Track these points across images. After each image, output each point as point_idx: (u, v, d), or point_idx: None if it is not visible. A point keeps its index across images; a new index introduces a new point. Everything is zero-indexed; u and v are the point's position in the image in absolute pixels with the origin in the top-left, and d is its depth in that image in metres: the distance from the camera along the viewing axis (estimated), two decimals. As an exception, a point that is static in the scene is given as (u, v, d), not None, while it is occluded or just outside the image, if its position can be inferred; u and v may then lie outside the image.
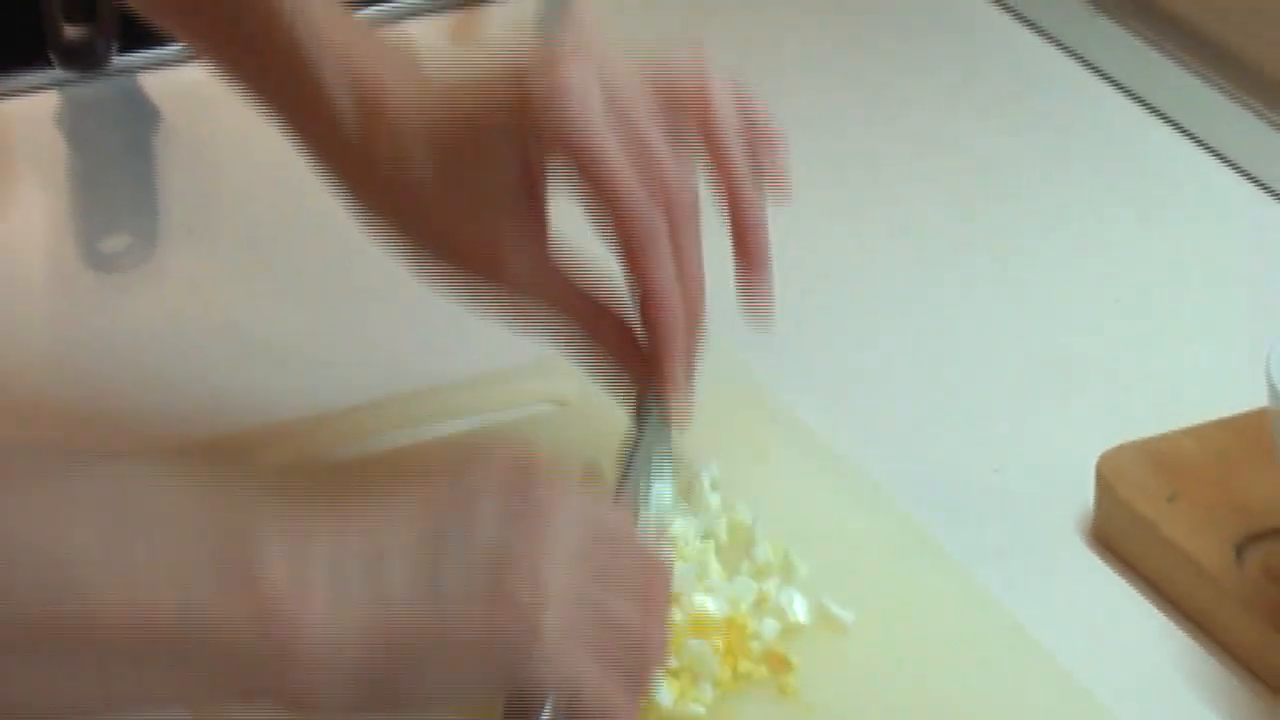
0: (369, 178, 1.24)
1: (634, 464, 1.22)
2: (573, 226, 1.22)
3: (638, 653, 1.02)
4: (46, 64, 1.63)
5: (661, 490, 1.22)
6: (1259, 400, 1.25)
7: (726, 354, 1.34)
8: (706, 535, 1.25)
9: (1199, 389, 1.40)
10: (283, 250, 1.54)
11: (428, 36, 1.75)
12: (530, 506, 1.00)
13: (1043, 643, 1.23)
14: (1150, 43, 1.78)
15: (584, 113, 1.16)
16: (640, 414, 1.22)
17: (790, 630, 1.21)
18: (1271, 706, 1.23)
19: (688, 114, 1.20)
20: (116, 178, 1.61)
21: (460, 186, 1.22)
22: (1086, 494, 1.33)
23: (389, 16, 1.75)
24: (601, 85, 1.18)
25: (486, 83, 1.21)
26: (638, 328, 1.21)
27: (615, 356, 1.23)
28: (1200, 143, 1.69)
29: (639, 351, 1.21)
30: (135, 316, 1.49)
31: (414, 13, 1.78)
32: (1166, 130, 1.71)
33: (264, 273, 1.49)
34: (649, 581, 1.04)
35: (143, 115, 1.65)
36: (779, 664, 1.19)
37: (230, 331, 1.45)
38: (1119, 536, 1.31)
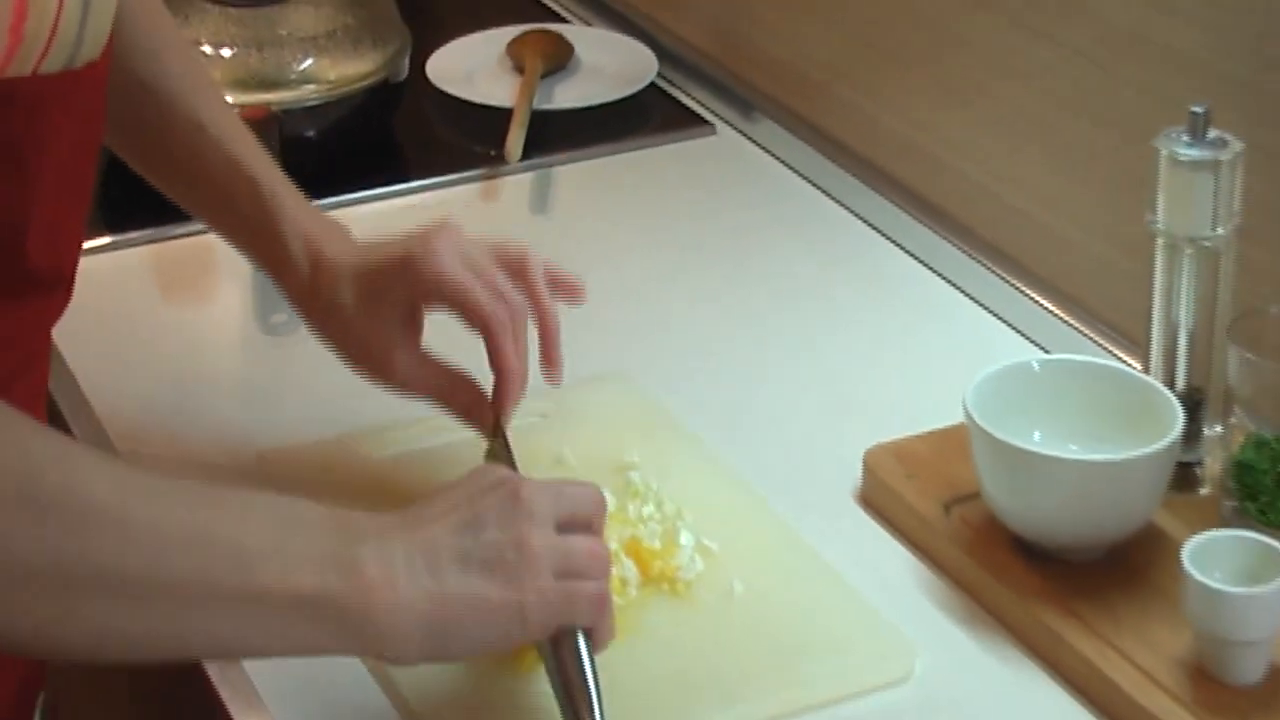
0: (314, 301, 1.27)
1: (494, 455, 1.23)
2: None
3: (599, 564, 1.05)
4: None
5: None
6: (960, 418, 1.29)
7: (649, 394, 1.43)
8: (633, 497, 1.29)
9: (924, 412, 1.40)
10: None
11: (458, 200, 1.76)
12: (513, 499, 1.02)
13: (832, 565, 1.28)
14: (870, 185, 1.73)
15: (448, 265, 1.21)
16: (491, 434, 1.24)
17: (674, 548, 1.25)
18: (968, 604, 1.26)
19: (510, 267, 1.24)
20: None
21: (369, 311, 1.25)
22: (857, 475, 1.37)
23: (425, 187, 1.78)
24: (458, 249, 1.22)
25: (388, 245, 1.25)
26: (478, 388, 1.26)
27: (467, 408, 1.26)
28: (906, 250, 1.67)
29: (485, 400, 1.24)
30: (290, 364, 1.50)
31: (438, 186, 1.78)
32: (884, 242, 1.69)
33: None
34: (595, 514, 1.07)
35: None
36: (672, 575, 1.24)
37: (334, 373, 1.36)
38: (877, 501, 1.36)
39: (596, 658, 1.05)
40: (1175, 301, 1.30)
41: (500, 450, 1.22)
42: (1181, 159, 1.26)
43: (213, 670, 1.17)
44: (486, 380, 1.26)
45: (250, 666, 1.17)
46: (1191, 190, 1.26)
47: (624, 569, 1.22)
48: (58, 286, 1.06)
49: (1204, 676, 1.16)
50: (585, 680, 1.04)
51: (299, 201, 1.28)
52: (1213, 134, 1.26)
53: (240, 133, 1.29)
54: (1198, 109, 1.25)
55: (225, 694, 1.17)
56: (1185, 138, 1.26)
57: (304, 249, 1.26)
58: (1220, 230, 1.28)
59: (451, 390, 1.26)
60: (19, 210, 0.98)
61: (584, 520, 1.05)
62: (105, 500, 0.89)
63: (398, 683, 1.16)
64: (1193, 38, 1.38)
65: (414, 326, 1.26)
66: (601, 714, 1.04)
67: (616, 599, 1.15)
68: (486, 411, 1.24)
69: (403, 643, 0.97)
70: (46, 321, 1.08)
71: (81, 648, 0.95)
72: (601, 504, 1.08)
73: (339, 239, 1.28)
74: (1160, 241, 1.29)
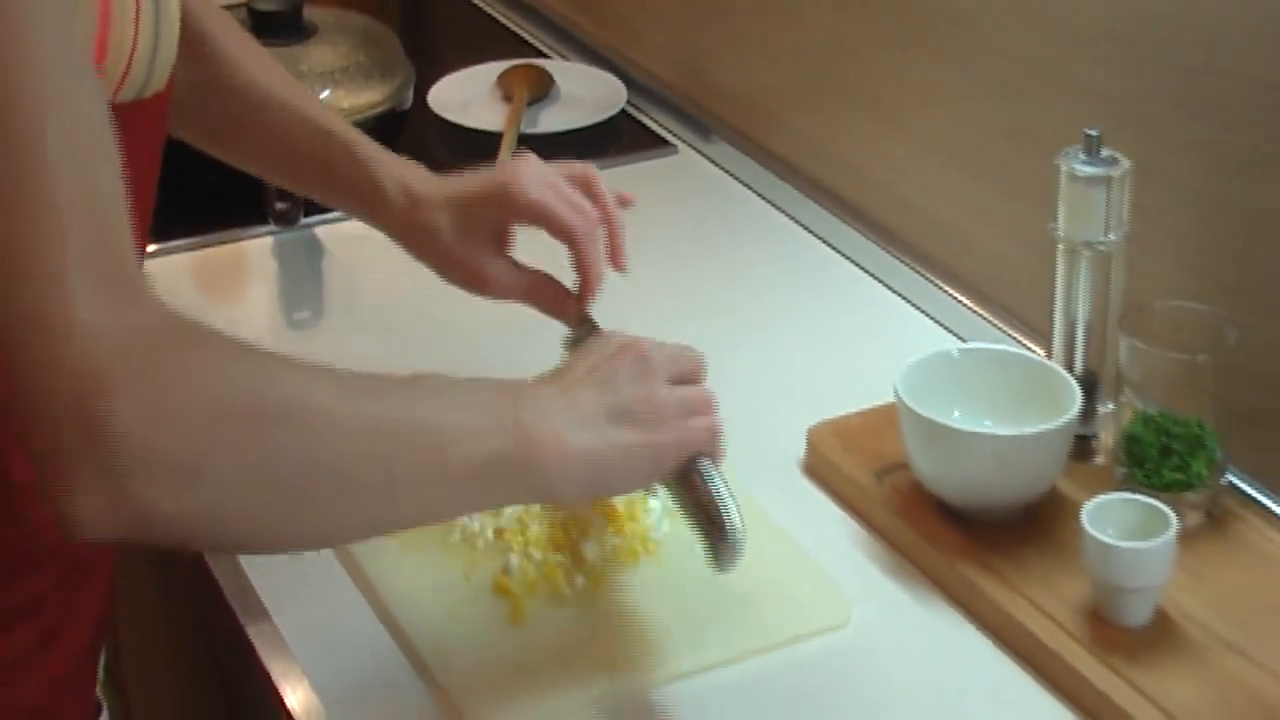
0: (413, 231, 1.29)
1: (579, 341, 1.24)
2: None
3: (709, 406, 1.08)
4: (265, 222, 1.62)
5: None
6: (889, 398, 1.29)
7: None
8: None
9: (858, 393, 1.39)
10: (393, 319, 1.54)
11: None
12: (639, 360, 1.05)
13: (780, 527, 1.27)
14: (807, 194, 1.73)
15: (534, 189, 1.24)
16: (578, 323, 1.26)
17: (641, 506, 1.25)
18: (898, 559, 1.26)
19: (581, 184, 1.27)
20: (305, 281, 1.63)
21: (465, 233, 1.27)
22: (800, 449, 1.37)
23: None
24: (540, 175, 1.25)
25: (477, 177, 1.28)
26: (561, 285, 1.28)
27: (556, 303, 1.28)
28: (843, 254, 1.66)
29: (570, 295, 1.26)
30: (315, 353, 1.46)
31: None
32: (823, 247, 1.67)
33: (384, 334, 1.49)
34: (694, 366, 1.10)
35: (316, 248, 1.66)
36: (644, 535, 1.24)
37: (360, 360, 1.43)
38: (818, 471, 1.36)
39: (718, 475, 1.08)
40: (1074, 297, 1.31)
41: (589, 333, 1.24)
42: (1079, 175, 1.27)
43: (250, 627, 1.19)
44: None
45: (279, 619, 1.19)
46: (1087, 202, 1.27)
47: (598, 531, 1.22)
48: None
49: (1100, 620, 1.17)
50: (719, 493, 1.07)
51: (385, 152, 1.30)
52: (1105, 153, 1.27)
53: (322, 109, 1.31)
54: (1092, 132, 1.27)
55: (259, 645, 1.18)
56: (1082, 156, 1.27)
57: (399, 189, 1.28)
58: (1112, 236, 1.28)
59: (540, 289, 1.28)
60: None
61: (691, 374, 1.09)
62: (325, 403, 0.90)
63: (411, 638, 1.16)
64: (1089, 70, 1.39)
65: (502, 241, 1.28)
66: (739, 516, 1.07)
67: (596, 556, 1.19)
68: (570, 304, 1.26)
69: (568, 487, 1.01)
70: None
71: (312, 538, 0.97)
72: (703, 362, 1.11)
73: (425, 177, 1.30)
74: (1061, 246, 1.30)
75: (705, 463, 1.08)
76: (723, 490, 1.08)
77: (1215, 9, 1.27)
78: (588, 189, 1.27)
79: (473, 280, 1.28)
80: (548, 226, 1.24)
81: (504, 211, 1.26)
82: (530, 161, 1.27)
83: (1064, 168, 1.27)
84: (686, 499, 1.08)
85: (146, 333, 0.83)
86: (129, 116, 0.97)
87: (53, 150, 0.81)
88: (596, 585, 1.20)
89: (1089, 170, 1.26)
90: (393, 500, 0.94)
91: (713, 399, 1.09)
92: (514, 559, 1.20)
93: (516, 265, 1.29)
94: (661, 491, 1.13)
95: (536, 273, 1.29)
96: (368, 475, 0.92)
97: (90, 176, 0.83)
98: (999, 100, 1.49)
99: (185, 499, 0.83)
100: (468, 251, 1.27)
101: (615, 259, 1.27)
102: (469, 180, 1.28)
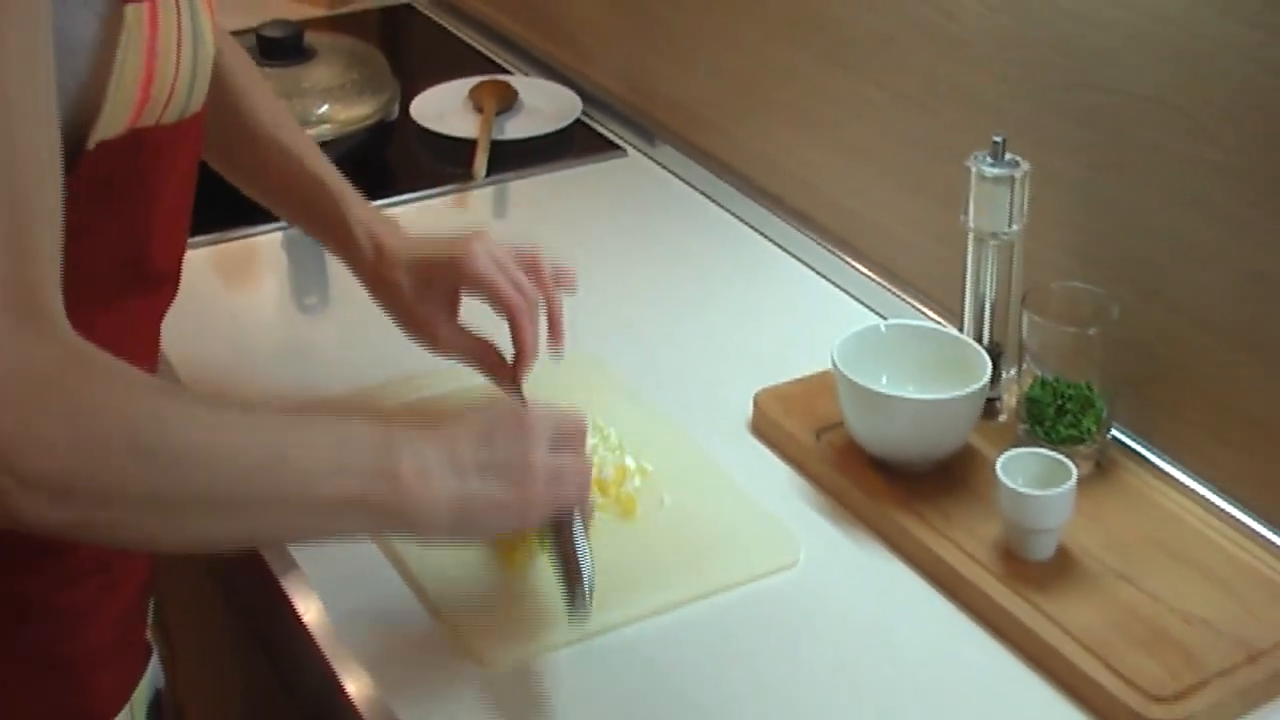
0: (377, 280, 1.26)
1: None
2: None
3: (581, 475, 1.04)
4: (275, 220, 1.50)
5: None
6: (823, 367, 1.29)
7: (588, 353, 1.38)
8: (594, 433, 1.26)
9: (796, 363, 1.39)
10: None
11: (438, 209, 1.73)
12: (519, 424, 1.01)
13: (734, 480, 1.28)
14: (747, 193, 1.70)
15: (484, 265, 1.21)
16: (511, 389, 1.24)
17: (625, 473, 1.25)
18: (837, 507, 1.26)
19: (525, 265, 1.23)
20: (312, 271, 1.59)
21: (420, 292, 1.25)
22: (748, 412, 1.36)
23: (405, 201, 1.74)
24: (489, 252, 1.22)
25: (436, 242, 1.25)
26: (501, 354, 1.25)
27: (494, 368, 1.25)
28: (776, 243, 1.64)
29: (506, 365, 1.24)
30: (321, 336, 1.50)
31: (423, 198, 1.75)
32: (759, 237, 1.66)
33: (373, 315, 1.35)
34: (576, 432, 1.05)
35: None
36: (623, 496, 1.23)
37: (362, 341, 1.43)
38: (764, 431, 1.35)
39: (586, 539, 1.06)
40: (982, 280, 1.31)
41: (517, 400, 1.23)
42: (986, 175, 1.27)
43: (273, 562, 1.18)
44: (505, 348, 1.25)
45: (302, 561, 1.18)
46: (993, 198, 1.27)
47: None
48: (170, 282, 1.05)
49: (1011, 556, 1.18)
50: (580, 550, 1.05)
51: (362, 204, 1.28)
52: (1008, 157, 1.27)
53: (315, 153, 1.28)
54: (997, 138, 1.27)
55: (283, 581, 1.18)
56: (989, 159, 1.28)
57: (369, 240, 1.25)
58: (1014, 227, 1.29)
59: (481, 354, 1.26)
60: (145, 225, 0.98)
61: (572, 439, 1.05)
62: (198, 441, 0.86)
63: (417, 574, 1.16)
64: (992, 87, 1.39)
65: (454, 305, 1.25)
66: (592, 573, 1.05)
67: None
68: (506, 372, 1.24)
69: (432, 530, 0.97)
70: (162, 310, 1.06)
71: (177, 547, 0.95)
72: (584, 430, 1.07)
73: (395, 233, 1.27)
74: (971, 236, 1.30)
75: (576, 520, 1.05)
76: (583, 548, 1.05)
77: (1093, 38, 1.27)
78: (532, 269, 1.23)
79: (425, 336, 1.26)
80: (492, 301, 1.22)
81: (455, 278, 1.22)
82: (483, 238, 1.23)
83: (974, 169, 1.28)
84: (554, 549, 1.06)
85: (45, 362, 0.80)
86: (174, 135, 0.97)
87: None
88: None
89: (995, 171, 1.27)
90: (255, 524, 0.91)
91: (586, 469, 1.05)
92: None
93: (464, 330, 1.26)
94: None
95: (483, 340, 1.26)
96: (231, 504, 0.89)
97: (19, 210, 0.80)
98: (912, 113, 1.48)
99: (60, 513, 0.82)
100: (423, 309, 1.24)
101: (553, 340, 1.24)
102: (429, 245, 1.25)
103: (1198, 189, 1.21)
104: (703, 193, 1.76)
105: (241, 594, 1.33)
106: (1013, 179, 1.27)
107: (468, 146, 1.81)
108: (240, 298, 1.58)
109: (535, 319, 1.22)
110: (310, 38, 1.78)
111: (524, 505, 0.99)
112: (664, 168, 1.82)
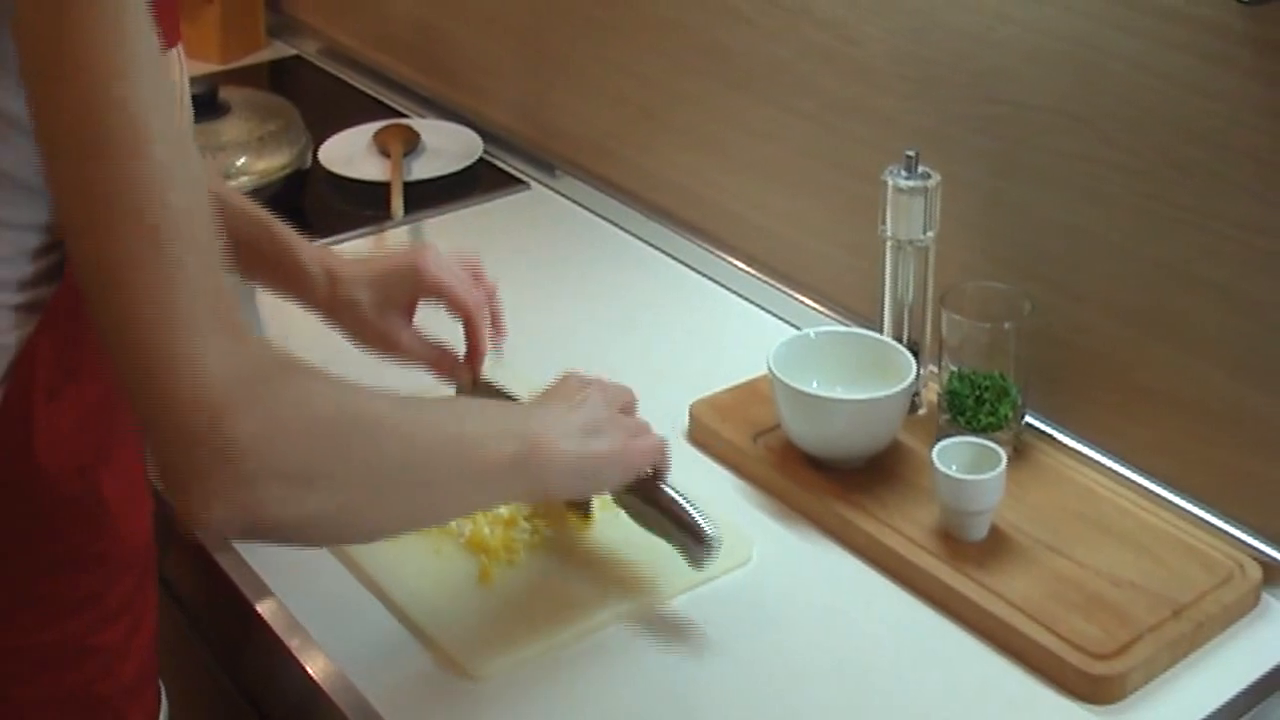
0: (333, 306, 1.26)
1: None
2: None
3: (649, 429, 1.13)
4: None
5: None
6: (750, 375, 1.35)
7: (522, 375, 1.35)
8: None
9: (723, 374, 1.41)
10: (316, 345, 1.28)
11: (360, 249, 1.72)
12: (600, 390, 1.11)
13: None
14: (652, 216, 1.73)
15: (441, 272, 1.24)
16: (471, 386, 1.27)
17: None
18: (779, 505, 1.29)
19: (470, 272, 1.27)
20: (243, 316, 1.56)
21: (380, 306, 1.26)
22: (684, 422, 1.38)
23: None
24: (440, 260, 1.25)
25: (389, 258, 1.27)
26: (458, 355, 1.27)
27: (450, 370, 1.27)
28: (679, 261, 1.67)
29: (462, 364, 1.27)
30: None
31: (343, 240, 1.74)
32: (666, 258, 1.69)
33: (307, 356, 1.48)
34: (631, 401, 1.15)
35: (249, 288, 1.43)
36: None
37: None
38: (701, 439, 1.37)
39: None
40: (900, 284, 1.36)
41: (485, 390, 1.27)
42: (901, 187, 1.33)
43: (261, 608, 1.18)
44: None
45: (282, 596, 1.19)
46: (908, 208, 1.32)
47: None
48: None
49: (949, 538, 1.22)
50: (689, 507, 1.13)
51: (308, 245, 1.29)
52: (921, 169, 1.33)
53: (250, 204, 1.28)
54: (910, 152, 1.32)
55: (266, 616, 1.18)
56: (903, 172, 1.33)
57: (321, 271, 1.26)
58: (929, 234, 1.34)
59: (440, 358, 1.28)
60: None
61: (629, 406, 1.14)
62: (400, 420, 0.93)
63: (397, 599, 1.17)
64: (897, 105, 1.44)
65: (412, 313, 1.28)
66: (713, 523, 1.13)
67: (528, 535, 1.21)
68: (463, 371, 1.27)
69: (561, 486, 1.06)
70: None
71: (393, 527, 0.99)
72: (634, 395, 1.16)
73: (345, 262, 1.29)
74: (888, 243, 1.35)
75: (668, 485, 1.13)
76: (690, 504, 1.13)
77: (988, 55, 1.32)
78: (475, 274, 1.27)
79: (386, 345, 1.28)
80: (448, 302, 1.25)
81: (414, 287, 1.25)
82: (433, 249, 1.27)
83: (890, 182, 1.33)
84: (656, 516, 1.14)
85: (256, 365, 0.84)
86: None
87: (178, 207, 0.80)
88: (549, 551, 1.21)
89: (909, 183, 1.32)
90: (442, 493, 0.97)
91: (647, 425, 1.14)
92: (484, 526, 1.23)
93: (421, 336, 1.28)
94: (625, 513, 1.17)
95: (439, 345, 1.29)
96: (429, 473, 0.95)
97: (204, 228, 0.83)
98: (816, 132, 1.51)
99: (303, 503, 0.85)
100: (383, 320, 1.26)
101: (496, 333, 1.29)
102: (383, 260, 1.27)
103: (1098, 188, 1.27)
104: (609, 220, 1.78)
105: (223, 637, 1.33)
106: (926, 189, 1.32)
107: (378, 189, 1.83)
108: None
109: (486, 317, 1.26)
110: (224, 93, 1.80)
111: (625, 457, 1.09)
112: (567, 198, 1.84)
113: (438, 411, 1.00)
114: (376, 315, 1.26)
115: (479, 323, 1.26)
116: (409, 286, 1.26)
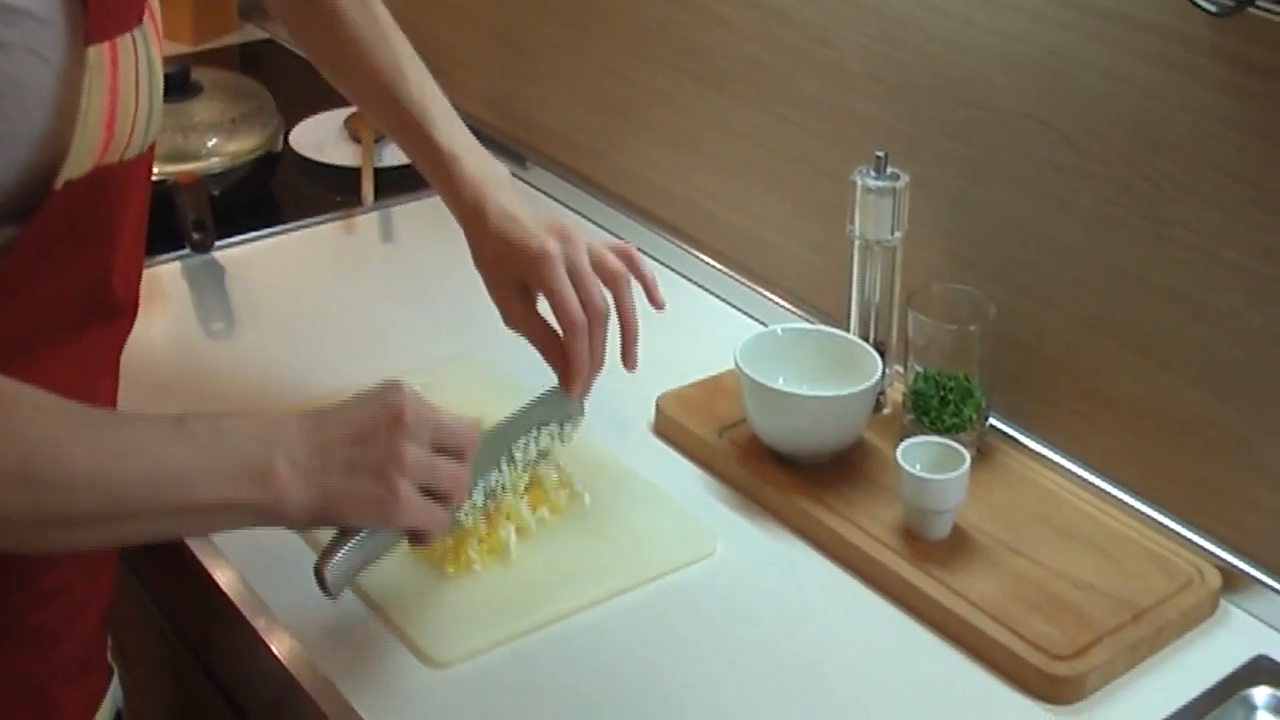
0: (471, 232, 1.22)
1: (536, 407, 1.20)
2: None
3: (457, 485, 1.00)
4: (183, 248, 1.62)
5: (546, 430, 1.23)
6: (716, 370, 1.36)
7: (494, 367, 1.40)
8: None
9: (690, 369, 1.41)
10: (294, 325, 1.52)
11: (329, 234, 1.72)
12: (397, 420, 0.96)
13: (648, 480, 1.29)
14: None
15: (555, 275, 1.17)
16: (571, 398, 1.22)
17: (551, 485, 1.24)
18: (743, 500, 1.28)
19: (607, 278, 1.20)
20: (214, 298, 1.60)
21: (495, 268, 1.22)
22: (651, 416, 1.38)
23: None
24: (569, 258, 1.18)
25: (522, 232, 1.19)
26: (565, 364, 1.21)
27: (556, 359, 1.21)
28: (650, 256, 1.65)
29: (564, 373, 1.21)
30: (227, 361, 1.47)
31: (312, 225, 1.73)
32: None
33: (289, 336, 1.47)
34: (462, 442, 1.00)
35: (217, 270, 1.63)
36: (555, 505, 1.24)
37: (274, 362, 1.44)
38: (668, 433, 1.37)
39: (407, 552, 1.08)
40: (867, 283, 1.36)
41: (575, 414, 1.23)
42: (870, 188, 1.32)
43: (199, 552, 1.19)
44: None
45: (251, 579, 1.18)
46: (877, 209, 1.32)
47: (515, 499, 1.21)
48: (130, 310, 1.05)
49: (911, 536, 1.23)
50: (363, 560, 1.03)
51: (473, 154, 1.24)
52: (890, 170, 1.33)
53: (428, 103, 1.25)
54: (880, 154, 1.32)
55: (230, 595, 1.17)
56: (872, 173, 1.33)
57: (471, 200, 1.22)
58: (897, 235, 1.34)
59: (547, 344, 1.22)
60: (107, 258, 0.98)
61: (455, 447, 1.00)
62: (82, 468, 0.86)
63: (362, 585, 1.16)
64: (869, 108, 1.43)
65: (528, 291, 1.21)
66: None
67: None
68: (565, 380, 1.21)
69: (297, 523, 0.95)
70: (122, 338, 1.06)
71: (67, 549, 0.96)
72: (473, 438, 1.01)
73: (497, 200, 1.22)
74: (856, 243, 1.35)
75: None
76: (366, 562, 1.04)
77: (961, 60, 1.32)
78: (614, 285, 1.19)
79: (497, 302, 1.23)
80: (553, 309, 1.18)
81: (524, 275, 1.19)
82: (571, 241, 1.18)
83: (859, 182, 1.33)
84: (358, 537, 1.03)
85: None
86: (132, 170, 0.98)
87: None
88: (515, 540, 1.21)
89: (878, 184, 1.32)
90: (137, 529, 0.91)
91: (463, 479, 1.00)
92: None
93: (534, 314, 1.21)
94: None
95: (550, 333, 1.20)
96: (112, 518, 0.88)
97: None
98: (789, 132, 1.51)
99: None
100: (496, 280, 1.22)
101: (626, 354, 1.21)
102: (519, 231, 1.19)
103: (1064, 194, 1.27)
104: (579, 213, 1.76)
105: (186, 616, 1.32)
106: (894, 190, 1.32)
107: (348, 174, 1.81)
108: (146, 330, 1.48)
109: (596, 335, 1.18)
110: (197, 73, 1.78)
111: (390, 502, 0.96)
112: (538, 189, 1.82)
113: (157, 445, 0.89)
114: (493, 273, 1.22)
115: (576, 343, 1.17)
116: (522, 271, 1.19)
